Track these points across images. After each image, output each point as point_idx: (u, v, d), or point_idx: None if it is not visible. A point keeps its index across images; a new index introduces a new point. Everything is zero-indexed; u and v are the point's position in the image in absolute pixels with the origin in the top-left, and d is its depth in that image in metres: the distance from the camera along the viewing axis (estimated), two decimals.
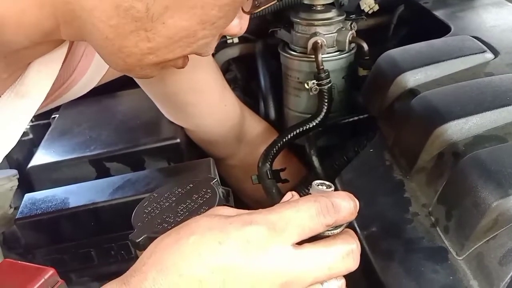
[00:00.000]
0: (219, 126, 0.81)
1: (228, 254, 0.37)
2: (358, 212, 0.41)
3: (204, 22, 0.44)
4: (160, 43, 0.44)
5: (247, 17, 0.49)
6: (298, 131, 0.76)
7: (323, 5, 0.80)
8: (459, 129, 0.50)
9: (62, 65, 0.55)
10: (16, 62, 0.50)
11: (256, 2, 0.47)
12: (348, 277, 0.40)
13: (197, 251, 0.37)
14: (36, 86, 0.52)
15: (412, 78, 0.60)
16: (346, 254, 0.39)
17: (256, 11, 0.47)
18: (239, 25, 0.49)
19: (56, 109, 0.87)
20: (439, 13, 0.78)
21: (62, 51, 0.53)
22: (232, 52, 0.98)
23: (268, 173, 0.73)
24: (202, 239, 0.37)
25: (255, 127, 0.87)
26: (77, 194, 0.62)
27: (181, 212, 0.49)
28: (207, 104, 0.78)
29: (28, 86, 0.52)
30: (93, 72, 0.64)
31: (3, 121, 0.51)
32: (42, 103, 0.56)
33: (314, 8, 0.80)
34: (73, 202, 0.61)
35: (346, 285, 0.41)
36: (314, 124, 0.77)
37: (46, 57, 0.52)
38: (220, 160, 0.84)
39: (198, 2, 0.42)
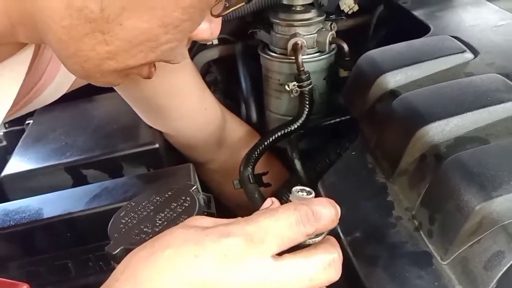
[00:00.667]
0: (199, 130, 0.79)
1: (205, 268, 0.35)
2: (341, 217, 0.40)
3: (166, 25, 0.41)
4: (119, 47, 0.41)
5: (219, 20, 0.47)
6: (279, 134, 0.75)
7: (303, 5, 0.79)
8: (440, 130, 0.50)
9: (29, 69, 0.52)
10: None
11: (226, 4, 0.45)
12: (331, 284, 0.39)
13: (172, 264, 0.35)
14: (1, 91, 0.50)
15: (393, 79, 0.60)
16: (327, 264, 0.38)
17: (225, 13, 0.45)
18: (209, 29, 0.46)
19: (30, 114, 0.84)
20: (418, 13, 0.78)
21: (26, 54, 0.51)
22: (211, 54, 0.96)
23: (250, 177, 0.72)
24: (177, 252, 0.36)
25: (236, 131, 0.85)
26: (51, 204, 0.60)
27: (160, 222, 0.47)
28: (186, 107, 0.76)
29: None
30: (63, 76, 0.62)
31: None
32: (12, 109, 0.53)
33: (294, 8, 0.79)
34: (48, 212, 0.59)
35: None
36: (296, 126, 0.76)
37: (10, 60, 0.49)
38: (201, 165, 0.83)
39: (158, 3, 0.40)
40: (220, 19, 0.47)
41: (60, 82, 0.62)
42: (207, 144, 0.81)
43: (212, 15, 0.45)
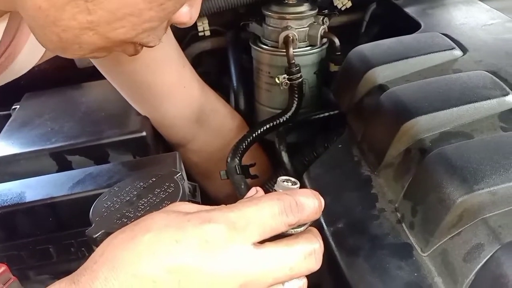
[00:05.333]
0: (179, 108, 0.77)
1: (185, 254, 0.35)
2: (325, 208, 0.40)
3: (151, 1, 0.40)
4: (102, 17, 0.40)
5: (198, 5, 0.46)
6: (268, 126, 0.75)
7: None
8: (426, 125, 0.50)
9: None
10: None
11: None
12: (313, 273, 0.39)
13: (152, 249, 0.35)
14: None
15: (382, 74, 0.60)
16: (308, 254, 0.38)
17: None
18: (189, 13, 0.46)
19: (17, 99, 0.83)
20: (410, 10, 0.78)
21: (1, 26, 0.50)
22: (203, 46, 0.96)
23: (237, 168, 0.71)
24: (158, 236, 0.36)
25: (219, 112, 0.84)
26: (34, 188, 0.59)
27: (142, 207, 0.47)
28: (164, 83, 0.74)
29: None
30: (34, 44, 0.58)
31: None
32: None
33: (286, 1, 0.79)
34: (30, 196, 0.58)
35: (311, 281, 0.40)
36: (284, 119, 0.76)
37: None
38: (182, 146, 0.81)
39: None
40: (199, 5, 0.47)
41: (31, 49, 0.59)
42: (187, 123, 0.79)
43: None
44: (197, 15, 0.47)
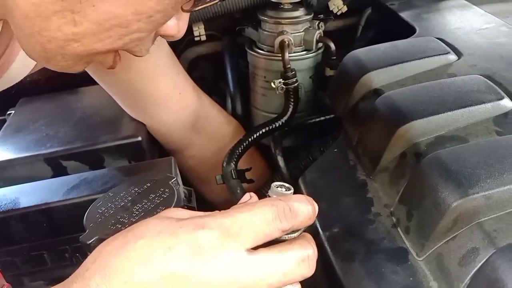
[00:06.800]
0: (175, 115, 0.77)
1: (178, 260, 0.35)
2: (320, 212, 0.40)
3: (140, 13, 0.40)
4: (88, 29, 0.40)
5: (186, 19, 0.46)
6: (263, 130, 0.75)
7: (291, 3, 0.79)
8: (421, 129, 0.50)
9: None
10: None
11: (196, 2, 0.44)
12: (308, 278, 0.39)
13: (145, 256, 0.35)
14: None
15: (377, 78, 0.60)
16: (301, 260, 0.38)
17: (196, 9, 0.45)
18: (177, 26, 0.45)
19: (12, 105, 0.83)
20: (404, 15, 0.78)
21: None
22: (199, 50, 0.96)
23: (233, 172, 0.71)
24: (151, 243, 0.36)
25: (215, 118, 0.84)
26: (28, 194, 0.59)
27: (137, 213, 0.47)
28: (160, 92, 0.74)
29: None
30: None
31: None
32: None
33: (282, 6, 0.79)
34: (24, 202, 0.58)
35: (306, 286, 0.40)
36: (280, 123, 0.76)
37: None
38: (179, 153, 0.81)
39: None
40: (187, 18, 0.46)
41: (24, 59, 0.58)
42: (183, 130, 0.79)
43: (183, 10, 0.44)
44: (185, 29, 0.47)
